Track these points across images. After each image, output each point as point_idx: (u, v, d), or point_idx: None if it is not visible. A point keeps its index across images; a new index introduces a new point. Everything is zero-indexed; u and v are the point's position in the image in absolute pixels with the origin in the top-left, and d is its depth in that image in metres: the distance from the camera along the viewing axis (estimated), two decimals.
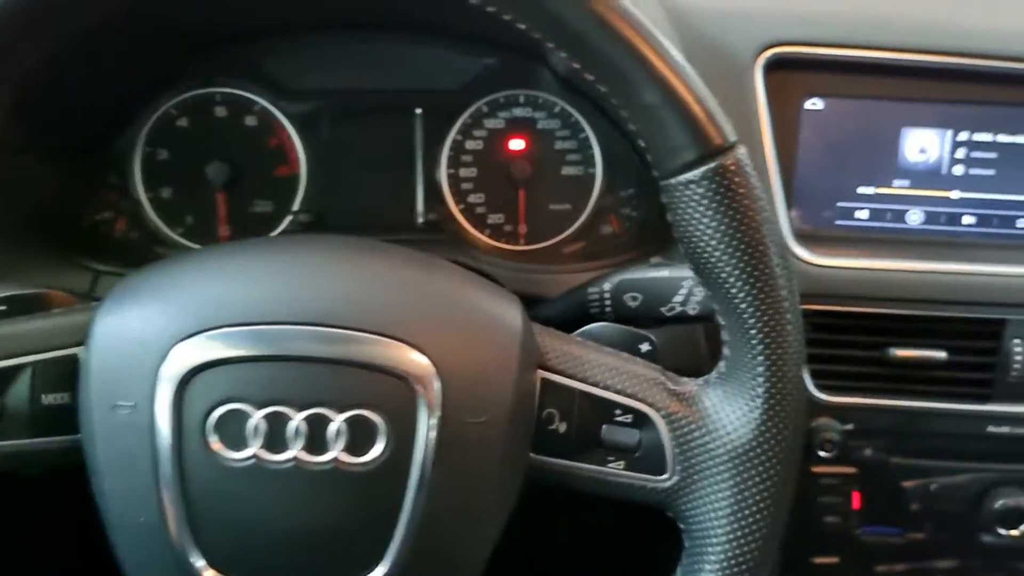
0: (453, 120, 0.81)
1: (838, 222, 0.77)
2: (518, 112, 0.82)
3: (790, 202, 0.75)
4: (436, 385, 0.43)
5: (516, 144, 0.82)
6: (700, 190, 0.44)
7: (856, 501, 0.76)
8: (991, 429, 0.74)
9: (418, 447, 0.43)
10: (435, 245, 0.79)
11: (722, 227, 0.44)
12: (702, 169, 0.44)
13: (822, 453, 0.73)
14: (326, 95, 0.80)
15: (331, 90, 0.80)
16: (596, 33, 0.42)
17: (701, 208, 0.44)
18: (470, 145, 0.82)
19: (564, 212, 0.83)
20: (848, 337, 0.73)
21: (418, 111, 0.80)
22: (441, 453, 0.43)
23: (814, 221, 0.77)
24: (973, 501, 0.75)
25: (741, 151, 0.45)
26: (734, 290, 0.46)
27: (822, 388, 0.74)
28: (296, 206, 0.80)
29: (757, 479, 0.47)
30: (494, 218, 0.83)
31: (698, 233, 0.45)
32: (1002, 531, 0.74)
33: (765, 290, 0.45)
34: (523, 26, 0.43)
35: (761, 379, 0.46)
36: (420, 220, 0.81)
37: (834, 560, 0.79)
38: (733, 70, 0.71)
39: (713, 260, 0.45)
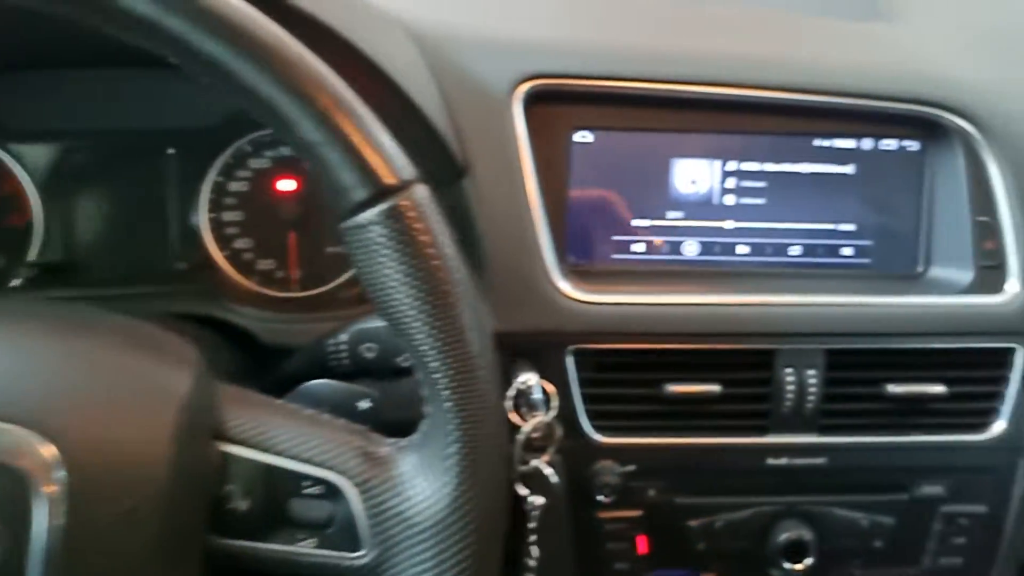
0: (212, 160, 0.75)
1: (614, 256, 0.75)
2: (286, 151, 0.77)
3: (562, 239, 0.73)
4: (59, 474, 0.37)
5: (286, 185, 0.77)
6: (372, 234, 0.40)
7: (643, 545, 0.74)
8: (770, 462, 0.73)
9: (35, 550, 0.36)
10: (190, 295, 0.73)
11: (399, 273, 0.41)
12: (374, 211, 0.40)
13: (601, 498, 0.70)
14: (65, 136, 0.73)
15: (71, 131, 0.73)
16: (237, 63, 0.38)
17: (376, 253, 0.41)
18: (234, 187, 0.76)
19: (340, 255, 0.78)
20: (624, 375, 0.71)
21: (171, 151, 0.74)
22: (70, 553, 0.37)
23: (590, 256, 0.75)
24: (758, 536, 0.74)
25: (419, 190, 0.42)
26: (416, 342, 0.42)
27: (600, 429, 0.71)
28: (32, 258, 0.72)
29: (455, 550, 0.43)
30: (264, 264, 0.77)
31: (377, 280, 0.41)
32: (787, 565, 0.73)
33: (451, 343, 0.42)
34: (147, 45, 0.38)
35: (452, 439, 0.42)
36: (176, 268, 0.75)
37: None
38: (491, 103, 0.68)
39: (394, 310, 0.41)
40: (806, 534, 0.73)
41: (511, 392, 0.67)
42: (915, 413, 0.73)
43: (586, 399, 0.70)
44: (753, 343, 0.71)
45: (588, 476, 0.71)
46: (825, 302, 0.71)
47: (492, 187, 0.67)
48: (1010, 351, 0.73)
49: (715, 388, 0.70)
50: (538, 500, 0.70)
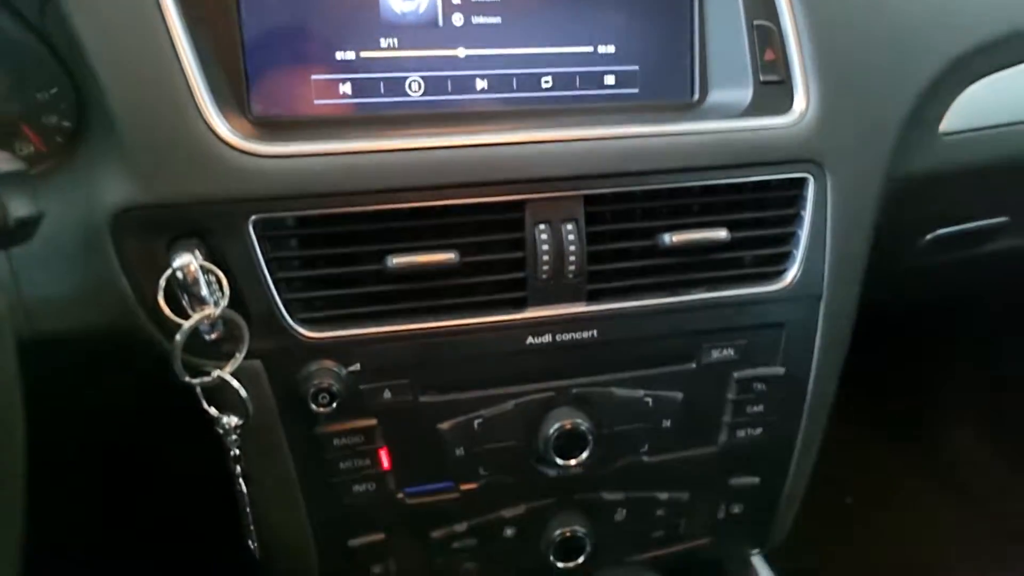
0: None
1: (319, 102, 0.58)
2: None
3: (239, 81, 0.55)
4: None
5: None
6: None
7: (385, 459, 0.60)
8: (531, 341, 0.59)
9: None
10: None
11: None
12: None
13: (319, 408, 0.55)
14: None
15: None
16: None
17: None
18: None
19: None
20: (331, 250, 0.55)
21: None
22: None
23: (283, 104, 0.57)
24: (525, 433, 0.61)
25: None
26: None
27: (307, 323, 0.55)
28: None
29: None
30: None
31: None
32: (561, 461, 0.61)
33: None
34: None
35: None
36: None
37: (378, 537, 0.62)
38: None
39: None
40: (582, 422, 0.60)
41: (161, 283, 0.50)
42: (696, 267, 0.61)
43: (281, 285, 0.54)
44: (495, 194, 0.56)
45: (300, 382, 0.55)
46: (579, 136, 0.57)
47: (106, 8, 0.49)
48: (800, 182, 0.62)
49: (451, 256, 0.55)
50: (233, 420, 0.54)
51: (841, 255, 0.63)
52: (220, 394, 0.54)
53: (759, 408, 0.65)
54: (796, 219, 0.62)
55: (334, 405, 0.55)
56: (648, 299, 0.60)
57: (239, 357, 0.52)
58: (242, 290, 0.53)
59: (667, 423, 0.63)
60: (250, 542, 0.60)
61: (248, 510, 0.58)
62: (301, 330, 0.55)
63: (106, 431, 0.88)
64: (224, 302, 0.51)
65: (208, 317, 0.50)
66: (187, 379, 0.51)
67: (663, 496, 0.67)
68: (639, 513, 0.67)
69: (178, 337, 0.50)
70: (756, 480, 0.68)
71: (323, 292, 0.55)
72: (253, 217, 0.52)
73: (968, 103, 0.68)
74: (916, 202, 0.71)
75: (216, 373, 0.52)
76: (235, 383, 0.53)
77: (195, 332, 0.51)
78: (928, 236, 0.77)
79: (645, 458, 0.65)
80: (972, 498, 1.19)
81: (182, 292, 0.50)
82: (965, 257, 0.87)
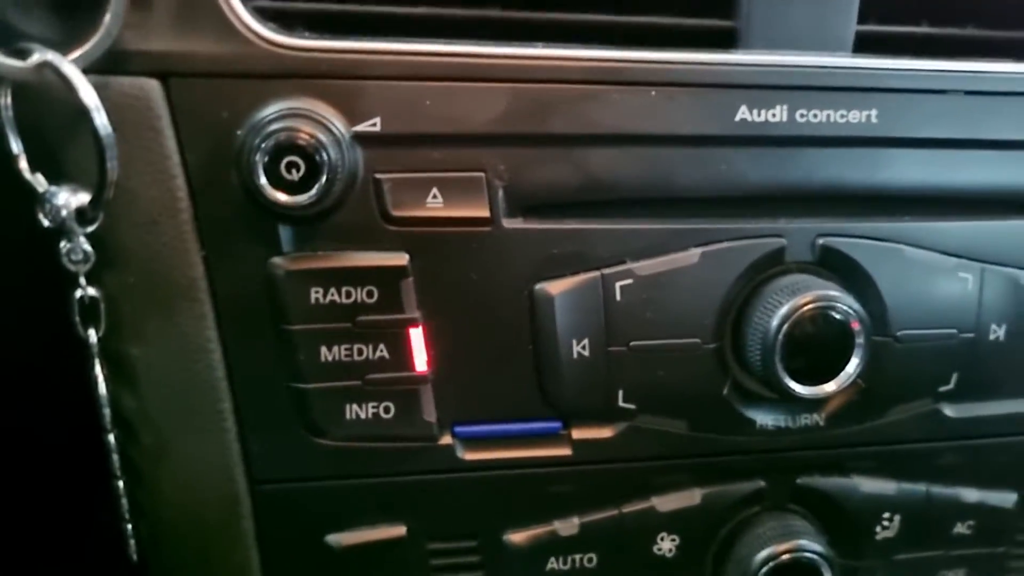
0: None
1: None
2: None
3: None
4: None
5: None
6: None
7: (421, 352, 0.28)
8: (744, 118, 0.28)
9: None
10: None
11: None
12: None
13: (279, 194, 0.24)
14: None
15: None
16: None
17: None
18: None
19: None
20: None
21: None
22: None
23: None
24: (718, 318, 0.29)
25: None
26: None
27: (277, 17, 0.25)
28: None
29: None
30: None
31: None
32: (797, 387, 0.28)
33: None
34: None
35: None
36: None
37: (394, 533, 0.29)
38: None
39: None
40: (840, 297, 0.28)
41: None
42: None
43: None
44: None
45: (245, 135, 0.24)
46: None
47: None
48: None
49: None
50: (76, 199, 0.24)
51: None
52: (50, 131, 0.23)
53: None
54: None
55: (313, 192, 0.24)
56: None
57: (90, 48, 0.22)
58: None
59: (998, 333, 0.31)
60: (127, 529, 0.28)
61: (113, 454, 0.26)
62: (261, 28, 0.25)
63: None
64: None
65: None
66: None
67: (970, 496, 0.33)
68: (922, 526, 0.33)
69: None
70: None
71: None
72: None
73: None
74: None
75: (35, 58, 0.22)
76: (80, 84, 0.22)
77: None
78: None
79: (947, 408, 0.32)
80: None
81: None
82: None
